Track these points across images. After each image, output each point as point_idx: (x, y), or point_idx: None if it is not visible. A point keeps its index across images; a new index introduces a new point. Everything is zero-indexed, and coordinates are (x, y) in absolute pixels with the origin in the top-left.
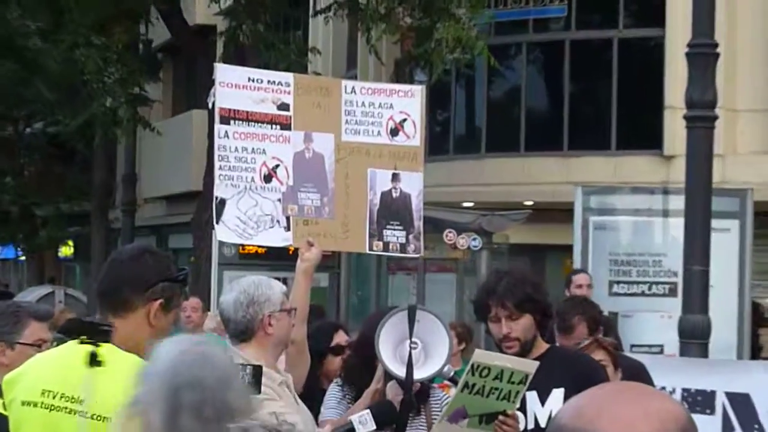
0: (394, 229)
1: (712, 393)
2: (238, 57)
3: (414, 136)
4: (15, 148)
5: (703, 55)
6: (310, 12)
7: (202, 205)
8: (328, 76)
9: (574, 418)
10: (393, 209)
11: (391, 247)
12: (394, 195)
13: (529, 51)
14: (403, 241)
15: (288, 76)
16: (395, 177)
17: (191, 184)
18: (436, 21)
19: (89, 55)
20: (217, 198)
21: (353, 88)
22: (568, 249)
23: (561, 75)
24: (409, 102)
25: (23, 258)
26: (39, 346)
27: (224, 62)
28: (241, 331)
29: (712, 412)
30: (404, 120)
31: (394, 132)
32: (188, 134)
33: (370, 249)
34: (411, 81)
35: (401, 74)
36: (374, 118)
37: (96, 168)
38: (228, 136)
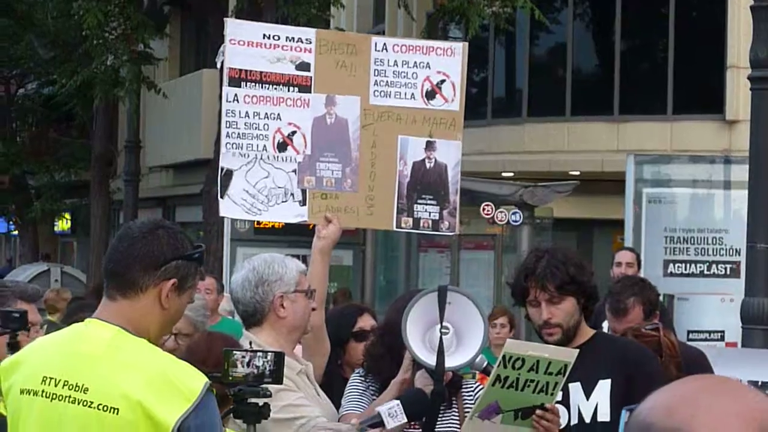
0: (427, 204)
1: None
2: (253, 11)
3: (453, 100)
4: (6, 112)
5: None
6: None
7: (212, 174)
8: (353, 31)
9: (666, 415)
10: (426, 181)
11: (422, 224)
12: (427, 165)
13: (576, 4)
14: (436, 217)
15: (309, 32)
16: (430, 145)
17: (201, 152)
18: None
19: (88, 8)
20: (222, 169)
21: (384, 45)
22: (618, 224)
23: (611, 31)
24: (449, 61)
25: (15, 232)
26: (27, 329)
27: (237, 17)
28: (251, 314)
29: None
30: (442, 81)
31: (430, 95)
32: (197, 96)
33: (398, 226)
34: (445, 37)
35: (434, 30)
36: (408, 79)
37: (96, 134)
38: (237, 100)
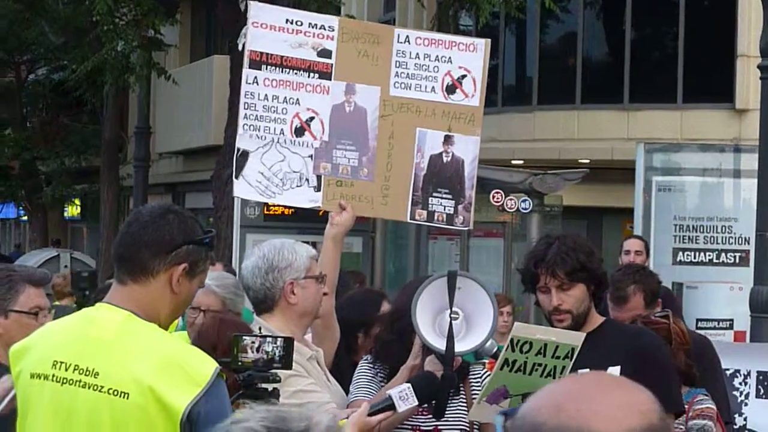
0: (442, 198)
1: None
2: None
3: (473, 96)
4: (16, 97)
5: None
6: None
7: (222, 161)
8: (363, 19)
9: (554, 414)
10: (442, 175)
11: (436, 217)
12: (444, 159)
13: None
14: (451, 211)
15: (333, 20)
16: (448, 139)
17: (210, 138)
18: None
19: None
20: (238, 150)
21: (407, 37)
22: (628, 212)
23: (622, 19)
24: (470, 57)
25: (25, 218)
26: (35, 313)
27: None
28: (261, 300)
29: None
30: (463, 76)
31: (450, 89)
32: (208, 83)
33: (412, 218)
34: (455, 25)
35: (444, 18)
36: (429, 72)
37: (106, 120)
38: (257, 83)
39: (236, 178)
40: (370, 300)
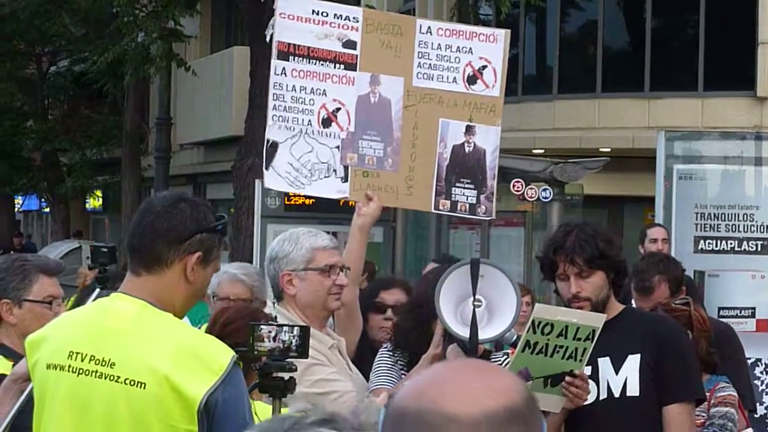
0: (465, 188)
1: None
2: None
3: (494, 86)
4: (38, 89)
5: None
6: None
7: (243, 151)
8: (383, 9)
9: (415, 399)
10: (465, 165)
11: (459, 207)
12: (466, 149)
13: None
14: (474, 201)
15: (357, 11)
16: (469, 130)
17: (231, 129)
18: None
19: None
20: (268, 141)
21: (429, 28)
22: (649, 201)
23: (642, 7)
24: (491, 48)
25: (47, 209)
26: (49, 303)
27: None
28: (273, 289)
29: None
30: (484, 67)
31: (471, 80)
32: (228, 74)
33: (436, 208)
34: (476, 14)
35: (464, 8)
36: (450, 62)
37: (127, 111)
38: (285, 74)
39: (266, 169)
40: (369, 288)
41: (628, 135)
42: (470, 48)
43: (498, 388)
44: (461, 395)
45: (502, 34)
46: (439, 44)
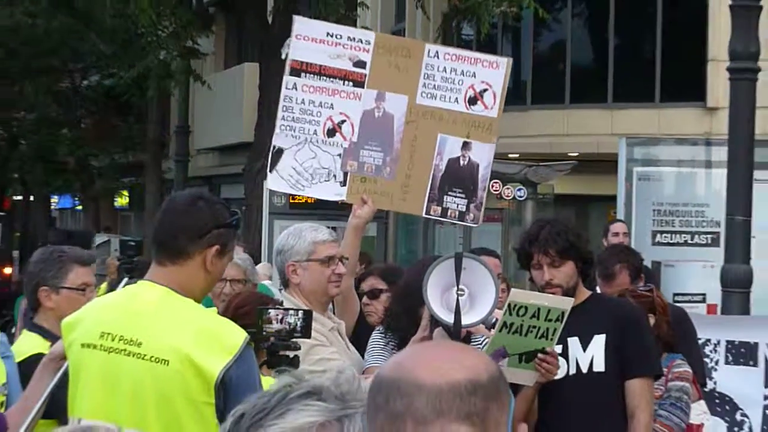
0: (456, 197)
1: (755, 345)
2: (287, 11)
3: (492, 108)
4: (71, 101)
5: (746, 8)
6: None
7: (253, 155)
8: (377, 30)
9: (393, 370)
10: (458, 177)
11: (449, 213)
12: (461, 163)
13: (575, 4)
14: (463, 209)
15: (369, 35)
16: (466, 145)
17: (242, 136)
18: None
19: (143, 8)
20: (274, 147)
21: (437, 52)
22: (611, 199)
23: (605, 28)
24: (492, 73)
25: (80, 207)
26: (83, 290)
27: (275, 16)
28: (281, 277)
29: (755, 363)
30: (485, 90)
31: (472, 101)
32: (239, 87)
33: (427, 213)
34: (458, 36)
35: (448, 28)
36: (454, 84)
37: (150, 120)
38: (296, 88)
39: (270, 171)
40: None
41: (593, 141)
42: (474, 72)
43: (466, 365)
44: (432, 368)
45: (504, 62)
46: (444, 67)
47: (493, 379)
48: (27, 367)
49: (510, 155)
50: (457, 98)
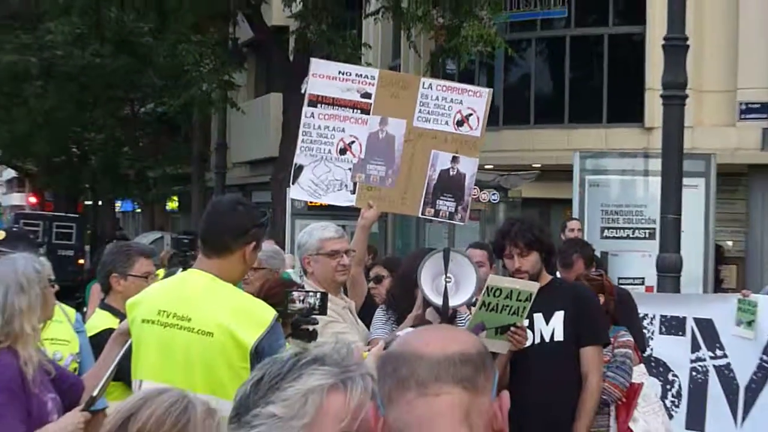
0: (447, 201)
1: (683, 319)
2: (305, 51)
3: (476, 129)
4: (131, 124)
5: (676, 47)
6: (363, 14)
7: (278, 167)
8: (377, 66)
9: (402, 346)
10: (448, 184)
11: (441, 214)
12: (451, 173)
13: (537, 45)
14: (453, 210)
15: (374, 71)
16: (455, 159)
17: (269, 152)
18: (463, 21)
19: (189, 50)
20: (296, 164)
21: (430, 84)
22: (568, 202)
23: (563, 64)
24: (477, 101)
25: (139, 210)
26: (146, 277)
27: (294, 56)
28: (301, 266)
29: (684, 333)
30: (470, 114)
31: (459, 123)
32: (267, 112)
33: (422, 213)
34: (443, 70)
35: (435, 64)
36: (444, 110)
37: (194, 139)
38: (313, 116)
39: (292, 184)
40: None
41: (553, 155)
42: (461, 100)
43: (459, 341)
44: (432, 343)
45: (486, 92)
46: (437, 96)
47: (481, 353)
48: (100, 338)
49: (486, 166)
50: (447, 121)
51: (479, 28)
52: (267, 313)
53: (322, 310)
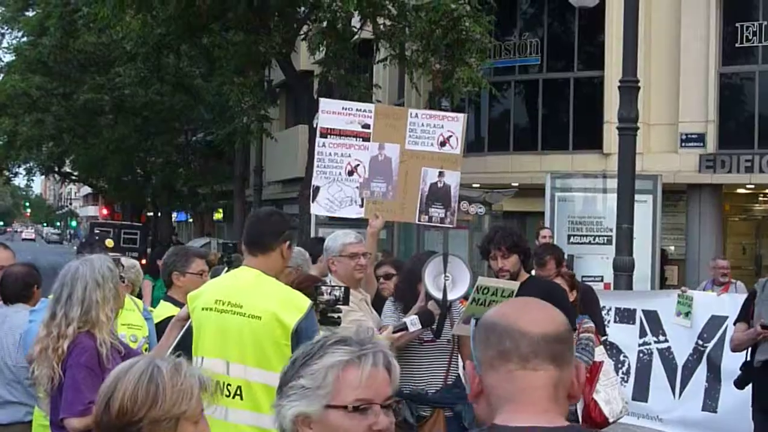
0: (437, 208)
1: (634, 310)
2: (327, 90)
3: (456, 147)
4: (185, 150)
5: (629, 88)
6: (374, 61)
7: (304, 185)
8: (386, 103)
9: (501, 316)
10: (437, 195)
11: (433, 219)
12: (439, 185)
13: (516, 86)
14: (443, 216)
15: (371, 106)
16: (441, 174)
17: (297, 172)
18: (455, 67)
19: (232, 90)
20: (313, 186)
21: (416, 113)
22: (541, 214)
23: (537, 101)
24: (454, 124)
25: (191, 220)
26: (200, 275)
27: (319, 94)
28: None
29: (633, 322)
30: (450, 136)
31: (442, 144)
32: (296, 141)
33: (419, 220)
34: (439, 106)
35: (433, 101)
36: (429, 134)
37: (236, 162)
38: (325, 146)
39: (312, 202)
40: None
41: (529, 176)
42: (442, 125)
43: (555, 321)
44: (530, 320)
45: (462, 117)
46: (423, 123)
47: (569, 330)
48: (164, 325)
49: (473, 185)
50: (432, 143)
51: (469, 72)
52: (304, 301)
53: (345, 301)
